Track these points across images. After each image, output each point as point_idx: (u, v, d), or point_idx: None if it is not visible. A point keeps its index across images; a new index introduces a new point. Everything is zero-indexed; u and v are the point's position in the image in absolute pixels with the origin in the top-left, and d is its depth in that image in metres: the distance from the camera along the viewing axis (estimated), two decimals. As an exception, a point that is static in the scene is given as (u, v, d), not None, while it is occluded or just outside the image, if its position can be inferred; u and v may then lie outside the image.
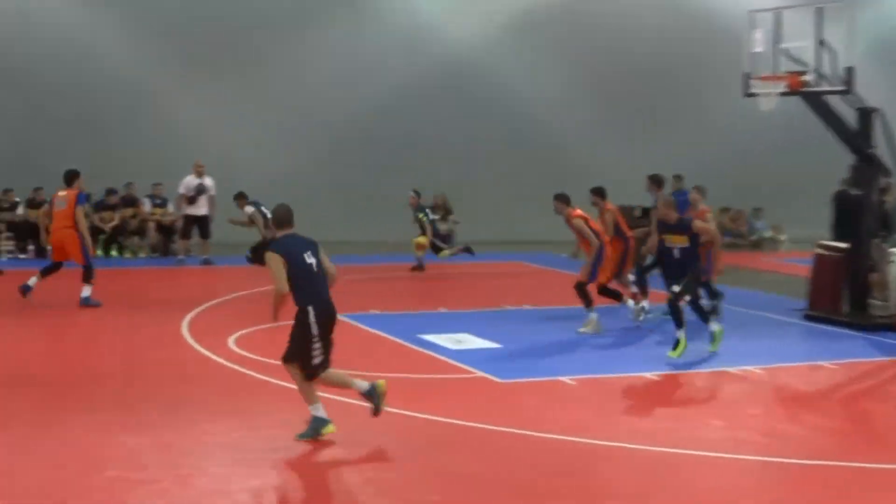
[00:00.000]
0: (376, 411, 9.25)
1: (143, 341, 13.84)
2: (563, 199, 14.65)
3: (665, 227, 13.07)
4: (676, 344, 12.67)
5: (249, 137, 26.69)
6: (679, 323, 12.70)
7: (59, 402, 10.42)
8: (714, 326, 13.20)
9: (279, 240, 9.13)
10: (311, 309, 8.91)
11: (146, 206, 24.43)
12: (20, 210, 23.65)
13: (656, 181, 16.32)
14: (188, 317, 15.26)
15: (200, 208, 22.67)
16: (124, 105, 25.95)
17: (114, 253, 24.03)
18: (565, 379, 11.66)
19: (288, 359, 9.13)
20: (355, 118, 27.41)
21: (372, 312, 15.80)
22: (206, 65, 26.47)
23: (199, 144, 25.11)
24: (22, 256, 22.84)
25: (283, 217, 9.25)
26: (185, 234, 22.98)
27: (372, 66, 27.68)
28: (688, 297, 13.03)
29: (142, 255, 24.15)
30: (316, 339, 8.94)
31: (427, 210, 21.70)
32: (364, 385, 9.27)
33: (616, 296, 15.23)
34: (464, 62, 28.29)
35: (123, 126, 25.82)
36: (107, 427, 9.36)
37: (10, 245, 23.22)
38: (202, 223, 22.73)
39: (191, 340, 13.56)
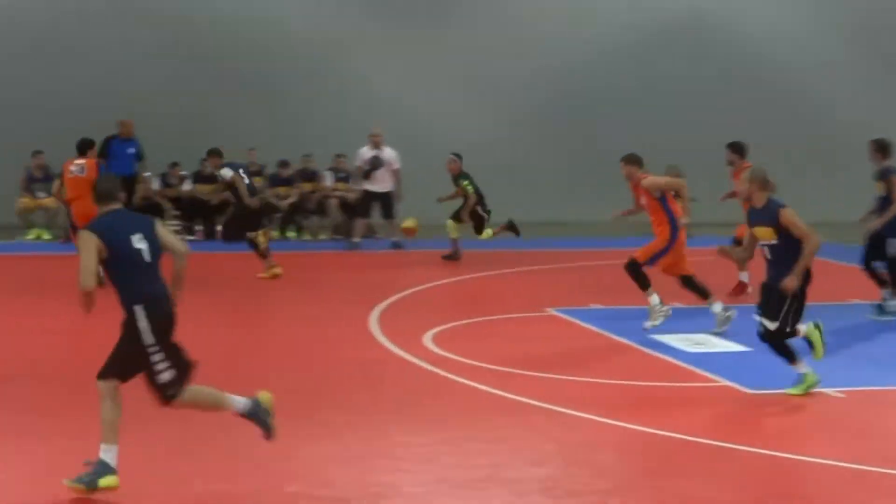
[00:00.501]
0: (267, 433, 8.56)
1: (324, 336, 14.15)
2: (634, 161, 14.15)
3: (750, 214, 11.25)
4: (802, 379, 11.19)
5: (441, 103, 26.91)
6: (791, 357, 11.19)
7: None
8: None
9: (99, 217, 8.38)
10: (139, 310, 8.11)
11: (327, 180, 24.77)
12: (187, 185, 24.40)
13: (881, 148, 15.19)
14: (377, 309, 15.56)
15: (380, 183, 22.61)
16: (302, 67, 26.57)
17: (291, 234, 24.65)
18: (830, 391, 11.37)
19: (104, 374, 8.19)
20: (559, 80, 27.41)
21: (593, 307, 15.76)
22: (395, 20, 26.89)
23: (390, 110, 25.49)
24: (189, 238, 23.47)
25: (106, 189, 8.48)
26: (363, 213, 23.09)
27: (581, 18, 27.54)
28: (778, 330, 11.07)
29: (322, 236, 24.68)
30: (154, 350, 8.12)
31: (471, 177, 19.62)
32: (241, 402, 8.51)
33: (703, 293, 14.32)
34: (688, 12, 27.93)
35: (302, 90, 26.43)
36: (286, 435, 9.58)
37: (176, 224, 23.73)
38: (385, 201, 22.71)
39: (381, 337, 13.80)
